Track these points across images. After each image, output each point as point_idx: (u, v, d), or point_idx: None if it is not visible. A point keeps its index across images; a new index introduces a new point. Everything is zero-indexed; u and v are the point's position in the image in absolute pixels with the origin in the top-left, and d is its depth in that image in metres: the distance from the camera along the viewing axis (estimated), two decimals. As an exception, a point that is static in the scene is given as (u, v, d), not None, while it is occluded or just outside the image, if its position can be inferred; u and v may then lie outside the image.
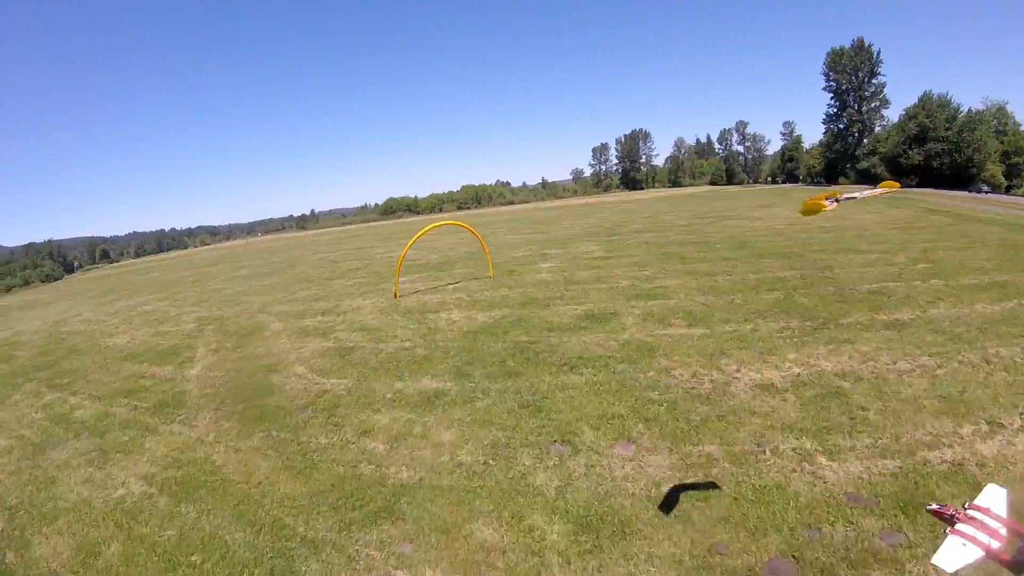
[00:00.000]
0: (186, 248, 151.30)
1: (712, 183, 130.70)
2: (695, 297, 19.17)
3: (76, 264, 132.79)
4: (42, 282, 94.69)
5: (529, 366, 14.24)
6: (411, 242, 25.52)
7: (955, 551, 3.61)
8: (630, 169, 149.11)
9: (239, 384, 16.32)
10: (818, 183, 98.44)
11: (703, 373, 12.45)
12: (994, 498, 4.00)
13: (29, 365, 23.70)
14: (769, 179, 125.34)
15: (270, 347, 19.86)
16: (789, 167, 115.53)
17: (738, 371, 12.08)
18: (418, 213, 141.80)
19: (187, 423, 14.02)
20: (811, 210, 5.90)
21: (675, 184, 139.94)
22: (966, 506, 4.02)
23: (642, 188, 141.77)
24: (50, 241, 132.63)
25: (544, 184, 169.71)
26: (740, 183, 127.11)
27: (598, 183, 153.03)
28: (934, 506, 4.36)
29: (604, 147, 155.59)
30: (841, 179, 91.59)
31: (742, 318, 16.20)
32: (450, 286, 26.26)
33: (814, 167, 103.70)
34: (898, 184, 7.77)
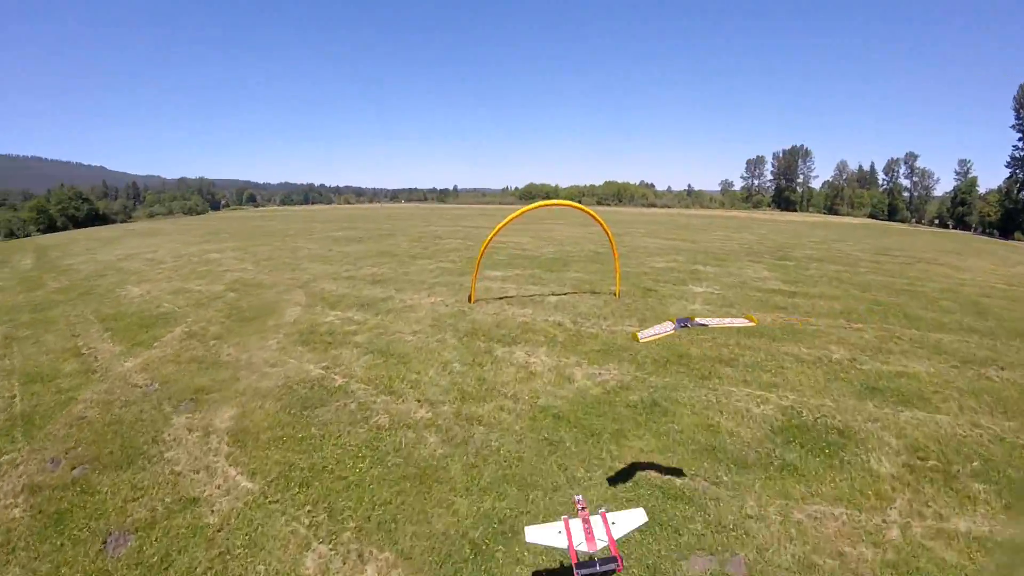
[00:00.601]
0: (330, 203, 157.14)
1: (871, 216, 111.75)
2: (979, 416, 9.38)
3: (223, 203, 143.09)
4: (184, 214, 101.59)
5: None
6: (505, 222, 16.83)
7: (552, 530, 4.79)
8: (785, 188, 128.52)
9: (103, 428, 9.36)
10: (990, 234, 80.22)
11: None
12: (629, 519, 4.94)
13: (31, 303, 19.97)
14: (936, 221, 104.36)
15: (243, 351, 12.92)
16: (960, 211, 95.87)
17: None
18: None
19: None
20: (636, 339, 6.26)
21: (831, 211, 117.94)
22: (600, 511, 5.01)
23: (795, 210, 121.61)
24: (201, 178, 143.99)
25: (690, 191, 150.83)
26: (902, 221, 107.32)
27: (748, 197, 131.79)
28: (577, 498, 5.22)
29: (760, 160, 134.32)
30: (1017, 234, 74.04)
31: None
32: (552, 297, 17.42)
33: (989, 215, 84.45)
34: (756, 320, 7.43)
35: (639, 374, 10.62)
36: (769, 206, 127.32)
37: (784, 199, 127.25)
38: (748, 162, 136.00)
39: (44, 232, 66.03)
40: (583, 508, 5.02)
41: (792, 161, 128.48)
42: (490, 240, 16.66)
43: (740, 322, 6.80)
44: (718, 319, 7.16)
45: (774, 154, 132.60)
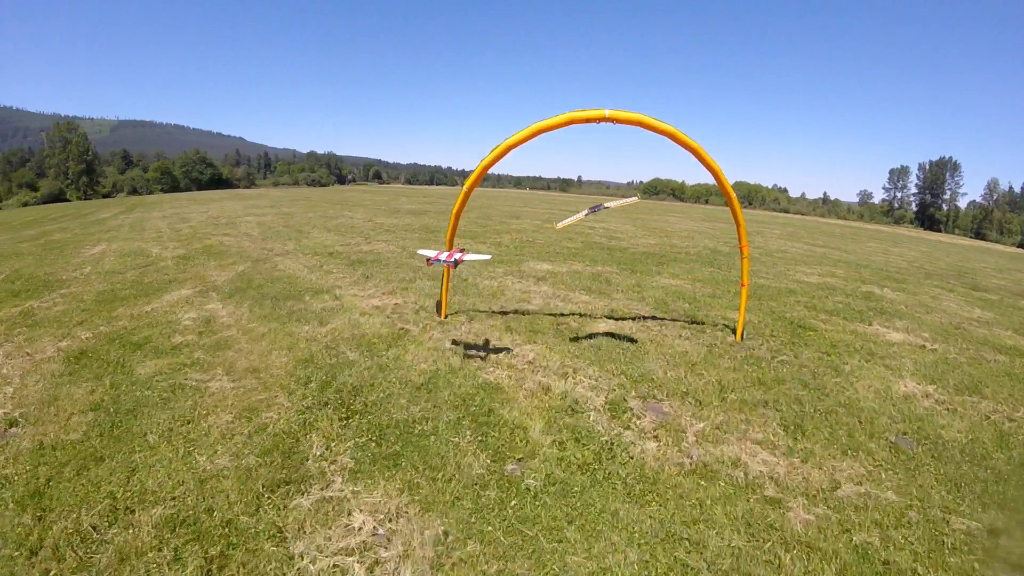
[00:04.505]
0: (454, 185, 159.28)
1: (1020, 246, 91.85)
2: None
3: (349, 177, 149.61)
4: (308, 185, 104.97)
5: None
6: (471, 179, 9.64)
7: (432, 250, 7.58)
8: (930, 204, 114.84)
9: None
10: None
11: None
12: (479, 256, 7.84)
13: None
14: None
15: (9, 357, 6.77)
16: None
17: None
18: (682, 199, 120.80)
19: None
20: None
21: (978, 235, 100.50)
22: (463, 249, 8.02)
23: (939, 230, 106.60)
24: (329, 153, 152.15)
25: (825, 200, 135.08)
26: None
27: (889, 211, 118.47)
28: (462, 248, 7.92)
29: (905, 171, 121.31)
30: None
31: None
32: (605, 323, 9.69)
33: None
34: (639, 199, 12.20)
35: None
36: (911, 223, 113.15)
37: (928, 216, 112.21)
38: (891, 172, 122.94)
39: (166, 192, 69.84)
40: (461, 251, 7.48)
41: (939, 174, 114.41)
42: (458, 212, 9.16)
43: (631, 200, 9.84)
44: (614, 201, 9.24)
45: (919, 165, 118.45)
